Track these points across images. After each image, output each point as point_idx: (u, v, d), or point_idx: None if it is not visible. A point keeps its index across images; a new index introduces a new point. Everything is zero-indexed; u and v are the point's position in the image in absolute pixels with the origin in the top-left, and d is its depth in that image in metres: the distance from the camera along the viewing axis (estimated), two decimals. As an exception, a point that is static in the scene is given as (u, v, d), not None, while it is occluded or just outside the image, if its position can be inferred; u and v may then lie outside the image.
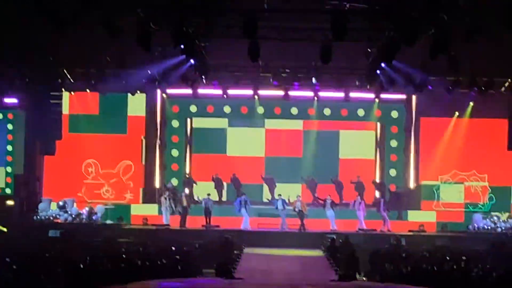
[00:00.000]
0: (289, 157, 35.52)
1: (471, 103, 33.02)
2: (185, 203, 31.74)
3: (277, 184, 34.29)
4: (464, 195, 34.10)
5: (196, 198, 32.93)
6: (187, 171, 35.20)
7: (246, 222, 31.33)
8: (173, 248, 24.31)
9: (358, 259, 23.83)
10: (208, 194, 32.36)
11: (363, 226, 31.16)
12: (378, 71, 28.69)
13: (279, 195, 32.23)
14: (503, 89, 31.43)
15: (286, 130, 35.90)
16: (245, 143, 36.11)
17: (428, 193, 33.90)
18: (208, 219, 31.37)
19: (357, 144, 35.95)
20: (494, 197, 33.75)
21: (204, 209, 31.49)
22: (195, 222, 31.25)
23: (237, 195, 32.87)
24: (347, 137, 36.02)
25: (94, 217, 31.27)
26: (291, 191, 33.40)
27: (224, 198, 34.51)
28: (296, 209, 31.37)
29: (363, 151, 35.97)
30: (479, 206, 33.50)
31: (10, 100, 32.45)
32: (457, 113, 34.02)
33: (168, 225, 31.24)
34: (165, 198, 32.09)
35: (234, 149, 35.87)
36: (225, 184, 34.88)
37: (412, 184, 34.81)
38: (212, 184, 34.27)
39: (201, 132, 36.21)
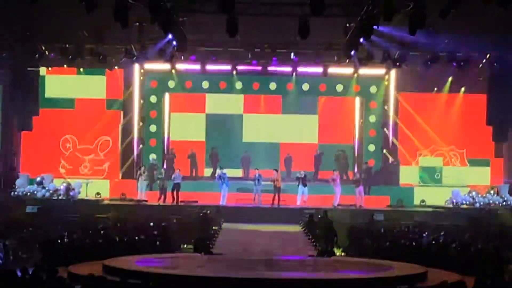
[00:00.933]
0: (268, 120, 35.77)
1: (450, 78, 33.40)
2: (163, 179, 31.85)
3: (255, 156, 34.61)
4: (442, 174, 34.09)
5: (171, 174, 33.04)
6: (169, 147, 35.36)
7: (224, 197, 31.42)
8: (151, 224, 24.68)
9: (336, 233, 23.82)
10: (178, 170, 32.39)
11: (338, 201, 31.25)
12: (356, 46, 28.68)
13: (256, 169, 32.26)
14: (480, 65, 31.95)
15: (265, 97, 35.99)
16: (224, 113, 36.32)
17: (406, 168, 33.94)
18: (176, 194, 31.27)
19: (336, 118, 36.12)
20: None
21: (173, 184, 31.40)
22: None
23: (214, 171, 33.41)
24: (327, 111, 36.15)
25: (71, 193, 30.99)
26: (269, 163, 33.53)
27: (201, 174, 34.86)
28: (272, 182, 31.36)
29: (341, 125, 36.20)
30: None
31: None
32: (435, 89, 34.30)
33: (145, 200, 31.25)
34: (142, 174, 32.11)
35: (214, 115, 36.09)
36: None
37: (390, 159, 34.85)
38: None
39: (180, 107, 36.30)
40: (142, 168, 32.42)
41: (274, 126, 36.01)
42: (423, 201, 32.09)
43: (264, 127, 36.02)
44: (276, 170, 32.09)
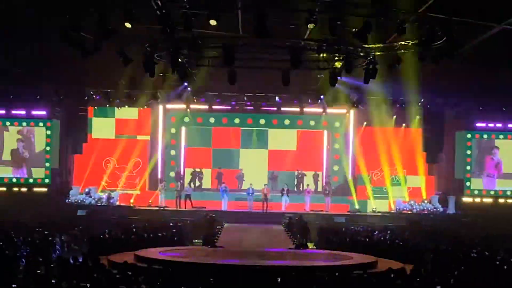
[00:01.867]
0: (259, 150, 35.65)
1: (394, 116, 33.29)
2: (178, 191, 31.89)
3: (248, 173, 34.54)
4: (389, 188, 33.69)
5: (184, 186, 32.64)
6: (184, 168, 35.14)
7: (225, 204, 31.28)
8: (171, 224, 25.47)
9: (309, 229, 25.03)
10: (189, 183, 32.92)
11: (308, 207, 31.41)
12: (325, 93, 29.67)
13: (250, 184, 32.03)
14: (419, 104, 32.20)
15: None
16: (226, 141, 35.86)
17: (362, 183, 33.66)
18: (190, 202, 31.10)
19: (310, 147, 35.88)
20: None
21: (185, 195, 31.35)
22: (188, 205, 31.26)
23: (219, 185, 32.99)
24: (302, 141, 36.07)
25: (111, 201, 31.38)
26: (258, 180, 33.54)
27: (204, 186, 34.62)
28: (262, 195, 31.26)
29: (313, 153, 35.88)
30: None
31: (40, 112, 32.59)
32: (383, 124, 33.37)
33: (166, 206, 31.00)
34: (162, 187, 31.90)
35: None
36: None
37: (349, 176, 34.41)
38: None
39: (193, 133, 35.88)
40: (164, 183, 32.31)
41: (262, 156, 35.89)
42: (374, 208, 32.38)
43: (255, 157, 35.84)
44: (265, 185, 32.39)
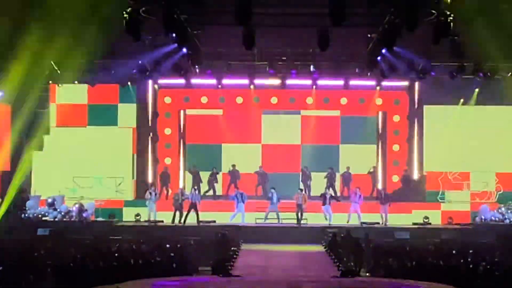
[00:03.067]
0: (288, 145, 30.76)
1: (477, 90, 28.35)
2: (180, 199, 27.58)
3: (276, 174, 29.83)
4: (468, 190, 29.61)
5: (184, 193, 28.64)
6: (192, 164, 30.16)
7: (242, 217, 27.20)
8: (167, 246, 22.23)
9: (364, 251, 21.65)
10: (194, 188, 28.21)
11: (361, 218, 27.11)
12: (378, 58, 24.97)
13: (273, 188, 27.61)
14: (510, 74, 26.70)
15: (284, 119, 30.87)
16: (242, 132, 31.07)
17: (433, 184, 29.09)
18: (197, 215, 27.10)
19: (359, 134, 30.69)
20: (501, 187, 28.92)
21: (190, 203, 27.23)
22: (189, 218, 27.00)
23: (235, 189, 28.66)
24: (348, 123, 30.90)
25: (84, 214, 27.07)
26: (289, 182, 29.06)
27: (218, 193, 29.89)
28: (298, 202, 27.10)
29: (364, 140, 30.85)
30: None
31: None
32: (462, 100, 28.93)
33: (161, 221, 26.90)
34: (150, 193, 27.61)
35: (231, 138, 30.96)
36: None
37: (416, 175, 29.98)
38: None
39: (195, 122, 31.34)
40: (153, 188, 28.09)
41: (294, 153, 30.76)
42: (450, 218, 27.47)
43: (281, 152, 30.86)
44: (300, 190, 27.80)
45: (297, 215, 26.85)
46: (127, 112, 29.61)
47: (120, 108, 29.65)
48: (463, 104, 29.11)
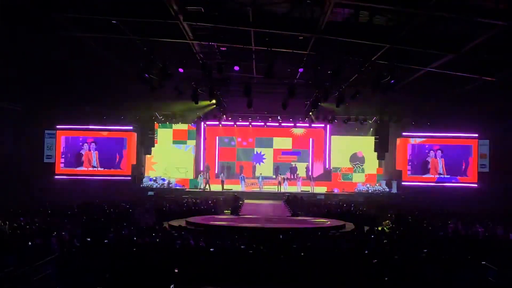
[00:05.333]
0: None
1: (356, 128, 32.85)
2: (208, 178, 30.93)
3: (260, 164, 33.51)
4: (353, 175, 33.87)
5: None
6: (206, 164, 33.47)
7: (243, 187, 30.73)
8: (209, 201, 25.02)
9: (299, 204, 24.72)
10: (221, 173, 31.85)
11: (299, 189, 30.54)
12: (310, 113, 28.83)
13: (260, 173, 31.90)
14: (370, 121, 31.56)
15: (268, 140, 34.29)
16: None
17: (335, 171, 33.45)
18: (222, 186, 30.69)
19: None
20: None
21: (221, 181, 31.03)
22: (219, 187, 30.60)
23: (239, 174, 32.22)
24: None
25: (170, 185, 31.13)
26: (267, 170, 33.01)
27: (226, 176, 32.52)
28: (278, 180, 30.87)
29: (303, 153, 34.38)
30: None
31: (128, 127, 31.24)
32: (348, 133, 33.44)
33: (206, 189, 30.43)
34: (201, 176, 31.54)
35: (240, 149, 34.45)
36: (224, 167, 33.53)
37: (327, 168, 33.95)
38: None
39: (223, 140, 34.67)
40: (202, 173, 31.87)
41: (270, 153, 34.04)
42: (342, 189, 31.92)
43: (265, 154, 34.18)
44: (280, 175, 31.60)
45: (278, 187, 30.42)
46: (191, 137, 33.79)
47: (189, 135, 34.05)
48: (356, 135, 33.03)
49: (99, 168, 30.19)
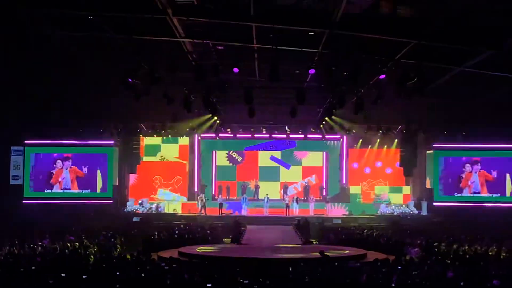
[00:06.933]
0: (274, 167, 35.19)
1: (378, 140, 33.87)
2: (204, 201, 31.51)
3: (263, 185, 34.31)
4: (374, 193, 34.27)
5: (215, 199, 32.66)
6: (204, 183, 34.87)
7: (245, 211, 31.34)
8: (205, 227, 25.54)
9: (309, 228, 25.11)
10: (219, 195, 32.70)
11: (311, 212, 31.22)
12: (323, 122, 29.36)
13: (266, 194, 32.12)
14: (395, 131, 32.39)
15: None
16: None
17: (354, 191, 33.96)
18: (220, 210, 31.32)
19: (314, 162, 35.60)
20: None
21: (218, 204, 31.65)
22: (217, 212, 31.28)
23: (242, 195, 33.23)
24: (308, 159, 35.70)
25: (159, 209, 31.62)
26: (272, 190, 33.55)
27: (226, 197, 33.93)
28: (285, 202, 31.52)
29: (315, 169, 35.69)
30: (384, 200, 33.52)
31: (108, 142, 31.79)
32: (370, 146, 34.62)
33: (202, 213, 30.93)
34: (198, 198, 31.98)
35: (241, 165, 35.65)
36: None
37: (344, 185, 34.74)
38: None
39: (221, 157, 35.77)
40: (201, 195, 32.33)
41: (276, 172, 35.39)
42: (363, 211, 32.32)
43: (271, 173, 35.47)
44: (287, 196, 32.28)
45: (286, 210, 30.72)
46: (183, 151, 34.67)
47: (180, 148, 34.86)
48: (370, 148, 34.27)
49: (75, 190, 30.57)
